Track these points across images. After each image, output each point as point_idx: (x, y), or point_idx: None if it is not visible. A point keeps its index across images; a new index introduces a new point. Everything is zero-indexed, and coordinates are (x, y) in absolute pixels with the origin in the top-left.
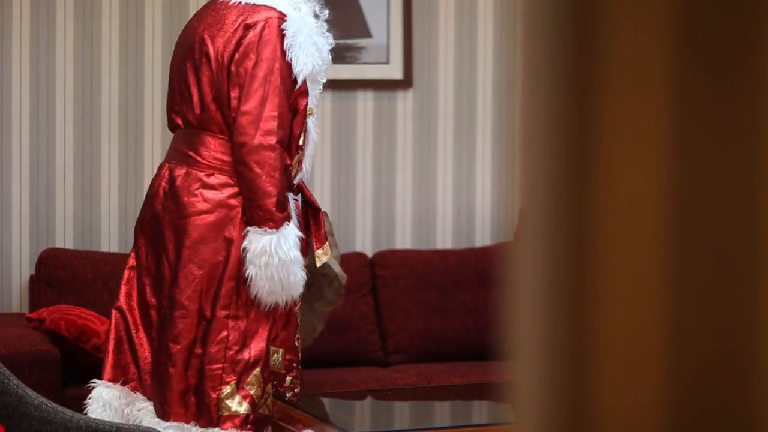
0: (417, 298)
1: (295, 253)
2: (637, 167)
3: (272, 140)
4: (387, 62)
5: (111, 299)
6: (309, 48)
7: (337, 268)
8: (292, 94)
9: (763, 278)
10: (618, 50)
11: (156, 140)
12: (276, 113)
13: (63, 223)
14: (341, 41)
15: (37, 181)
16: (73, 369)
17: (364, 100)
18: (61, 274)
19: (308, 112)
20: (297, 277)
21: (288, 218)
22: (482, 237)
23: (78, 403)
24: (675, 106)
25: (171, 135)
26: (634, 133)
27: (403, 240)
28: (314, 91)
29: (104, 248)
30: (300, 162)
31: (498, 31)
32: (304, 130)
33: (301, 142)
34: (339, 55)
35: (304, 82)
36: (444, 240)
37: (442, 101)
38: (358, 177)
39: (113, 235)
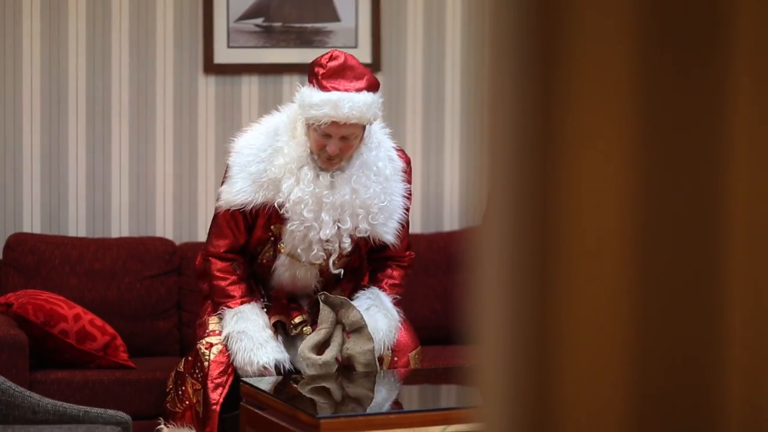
0: None
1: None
2: (601, 154)
3: (203, 253)
4: (355, 46)
5: (78, 284)
6: (239, 182)
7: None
8: (246, 220)
9: (727, 276)
10: (583, 38)
11: (123, 127)
12: (210, 233)
13: (30, 208)
14: (309, 25)
15: (4, 166)
16: (40, 353)
17: None
18: (29, 259)
19: (279, 249)
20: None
21: (223, 305)
22: (451, 221)
23: (45, 387)
24: (639, 92)
25: (137, 121)
26: (598, 120)
27: None
28: (293, 238)
29: (72, 233)
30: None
31: (466, 13)
32: (268, 260)
33: (260, 260)
34: (307, 39)
35: (261, 214)
36: (412, 224)
37: (411, 84)
38: None
39: (81, 219)
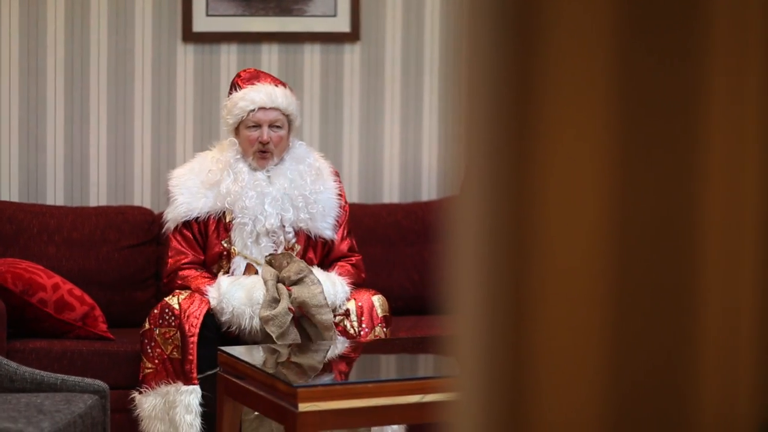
0: (363, 252)
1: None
2: (578, 143)
3: (164, 274)
4: (334, 15)
5: (56, 253)
6: (179, 197)
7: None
8: (196, 238)
9: (701, 278)
10: (561, 29)
11: (102, 95)
12: (166, 259)
13: (8, 176)
14: None
15: None
16: (18, 322)
17: (311, 53)
18: (7, 228)
19: (233, 253)
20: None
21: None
22: (429, 191)
23: (23, 356)
24: (616, 84)
25: (116, 90)
26: (575, 109)
27: (350, 194)
28: (242, 233)
29: (50, 201)
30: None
31: None
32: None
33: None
34: (286, 7)
35: (209, 226)
36: (391, 194)
37: (390, 54)
38: (305, 130)
39: (59, 187)
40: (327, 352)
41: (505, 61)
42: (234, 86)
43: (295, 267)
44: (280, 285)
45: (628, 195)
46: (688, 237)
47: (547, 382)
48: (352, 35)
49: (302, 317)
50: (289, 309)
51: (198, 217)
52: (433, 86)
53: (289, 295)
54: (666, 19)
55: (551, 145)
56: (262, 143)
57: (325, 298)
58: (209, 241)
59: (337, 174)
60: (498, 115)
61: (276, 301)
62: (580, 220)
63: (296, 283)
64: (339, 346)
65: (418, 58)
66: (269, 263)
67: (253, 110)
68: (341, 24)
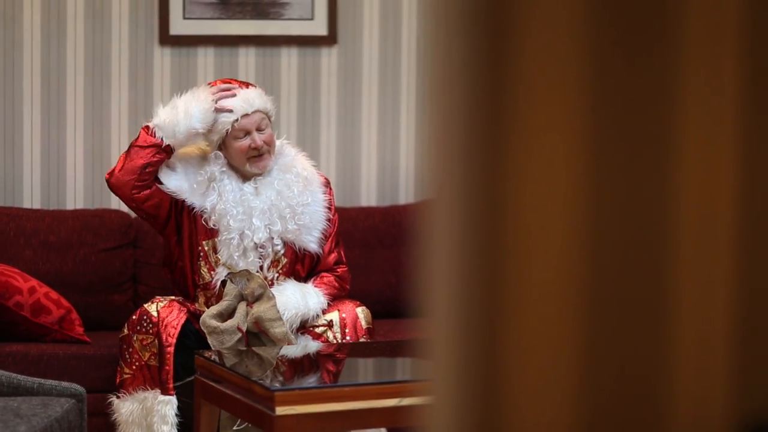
0: None
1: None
2: (550, 142)
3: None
4: (312, 18)
5: (33, 256)
6: (175, 180)
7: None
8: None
9: (675, 285)
10: (535, 28)
11: (79, 98)
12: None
13: None
14: None
15: None
16: None
17: (289, 57)
18: None
19: (217, 261)
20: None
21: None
22: (406, 194)
23: (0, 360)
24: (589, 84)
25: (92, 93)
26: (548, 111)
27: None
28: (228, 247)
29: (26, 204)
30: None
31: None
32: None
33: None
34: (263, 11)
35: (185, 218)
36: (368, 197)
37: (367, 58)
38: (282, 134)
39: (36, 191)
40: (304, 356)
41: (479, 64)
42: None
43: (253, 283)
44: (242, 303)
45: (603, 197)
46: (662, 241)
47: (521, 387)
48: (330, 38)
49: (260, 333)
50: (238, 328)
51: (192, 208)
52: (410, 89)
53: (247, 314)
54: (639, 17)
55: (525, 148)
56: (255, 149)
57: (278, 312)
58: (183, 231)
59: (327, 184)
60: (472, 118)
61: (229, 315)
62: (554, 223)
63: (259, 298)
64: (316, 349)
65: (395, 61)
66: (231, 281)
67: (236, 120)
68: (318, 27)
